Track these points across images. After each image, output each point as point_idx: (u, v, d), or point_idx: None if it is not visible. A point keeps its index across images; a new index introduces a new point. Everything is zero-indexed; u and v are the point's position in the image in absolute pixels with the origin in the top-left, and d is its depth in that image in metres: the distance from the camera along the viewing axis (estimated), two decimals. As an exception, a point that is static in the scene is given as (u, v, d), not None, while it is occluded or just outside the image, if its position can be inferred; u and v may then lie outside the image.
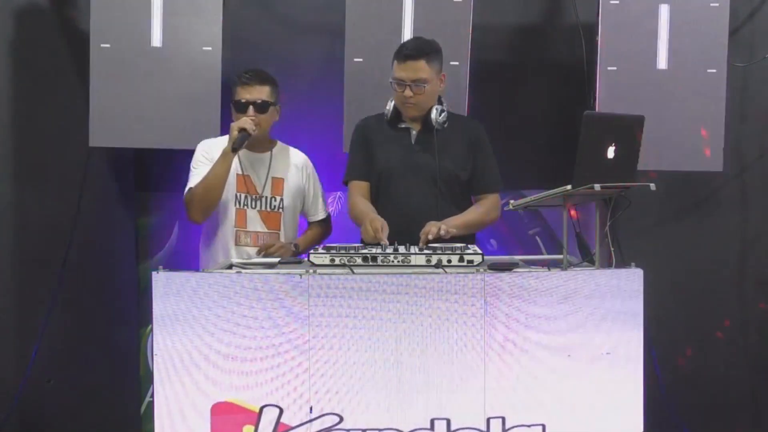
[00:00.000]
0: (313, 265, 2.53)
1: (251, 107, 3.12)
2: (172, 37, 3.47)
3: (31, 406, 3.69)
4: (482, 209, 3.11)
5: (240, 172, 3.18)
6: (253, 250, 3.17)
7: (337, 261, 2.53)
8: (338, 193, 3.91)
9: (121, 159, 3.78)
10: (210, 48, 3.48)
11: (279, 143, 3.32)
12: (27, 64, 3.69)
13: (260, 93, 3.14)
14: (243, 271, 2.57)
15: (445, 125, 3.10)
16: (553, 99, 3.91)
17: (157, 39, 3.47)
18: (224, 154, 3.06)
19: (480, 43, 3.60)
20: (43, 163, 3.71)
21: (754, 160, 3.91)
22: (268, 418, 2.44)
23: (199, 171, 3.13)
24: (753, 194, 3.92)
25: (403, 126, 3.14)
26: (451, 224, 2.87)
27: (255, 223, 3.20)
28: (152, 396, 2.86)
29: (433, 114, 3.07)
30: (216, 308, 2.43)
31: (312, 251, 2.57)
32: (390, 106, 3.12)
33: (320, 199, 3.36)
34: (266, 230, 3.21)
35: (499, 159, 3.20)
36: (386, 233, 2.78)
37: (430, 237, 2.77)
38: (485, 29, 3.70)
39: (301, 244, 3.26)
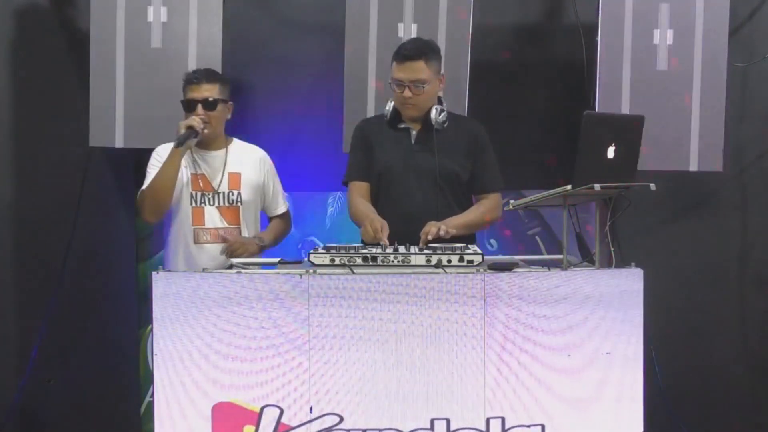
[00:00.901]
0: (313, 265, 2.53)
1: (199, 105, 3.12)
2: (172, 37, 3.47)
3: (31, 406, 3.69)
4: (483, 209, 3.11)
5: (194, 171, 3.18)
6: (213, 247, 3.15)
7: (337, 261, 2.53)
8: (338, 193, 3.91)
9: (121, 159, 3.78)
10: (210, 48, 3.48)
11: (236, 140, 3.30)
12: (27, 64, 3.69)
13: (209, 91, 3.14)
14: (243, 271, 2.57)
15: (445, 125, 3.09)
16: (553, 99, 3.91)
17: (157, 39, 3.47)
18: (172, 153, 3.07)
19: (480, 43, 3.60)
20: (43, 163, 3.71)
21: (754, 160, 3.91)
22: (269, 418, 2.44)
23: (152, 173, 3.13)
24: (753, 194, 3.91)
25: (402, 126, 3.14)
26: (452, 224, 2.87)
27: (214, 219, 3.18)
28: (152, 396, 2.86)
29: (433, 114, 3.06)
30: (216, 308, 2.43)
31: (312, 251, 2.57)
32: (389, 106, 3.12)
33: (280, 194, 3.36)
34: (226, 225, 3.19)
35: (500, 159, 3.19)
36: (386, 233, 2.78)
37: (430, 237, 2.77)
38: (485, 29, 3.69)
39: (266, 238, 3.24)
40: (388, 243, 2.73)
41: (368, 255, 2.55)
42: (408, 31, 3.49)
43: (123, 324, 3.86)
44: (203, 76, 3.16)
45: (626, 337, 2.53)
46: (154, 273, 2.46)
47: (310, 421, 2.44)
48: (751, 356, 3.92)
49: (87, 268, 3.75)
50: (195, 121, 3.07)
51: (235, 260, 2.94)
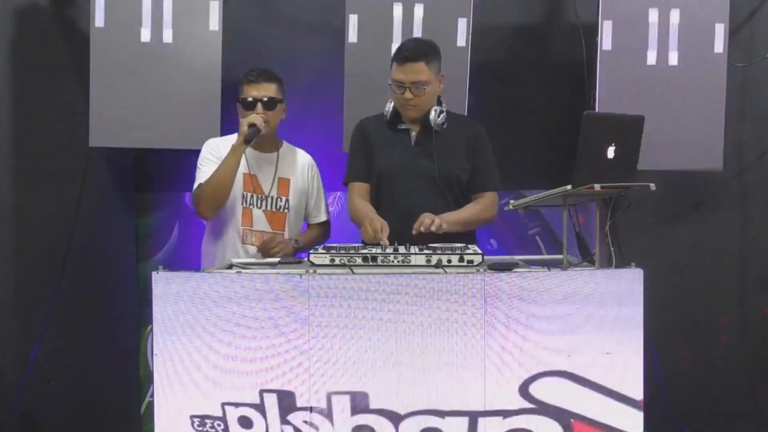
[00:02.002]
0: (313, 265, 2.53)
1: (259, 104, 3.13)
2: (172, 37, 3.47)
3: (31, 406, 3.69)
4: (479, 207, 3.10)
5: (247, 171, 3.18)
6: (256, 249, 3.17)
7: (337, 261, 2.53)
8: (338, 193, 3.91)
9: (121, 159, 3.78)
10: (210, 48, 3.48)
11: (285, 143, 3.32)
12: (27, 64, 3.69)
13: (267, 90, 3.15)
14: (243, 271, 2.57)
15: (444, 126, 3.09)
16: (553, 99, 3.91)
17: (157, 39, 3.47)
18: (234, 149, 3.07)
19: (480, 43, 3.60)
20: (43, 163, 3.71)
21: (754, 160, 3.91)
22: (269, 418, 2.44)
23: (206, 169, 3.13)
24: (753, 194, 3.92)
25: (402, 127, 3.13)
26: (446, 219, 2.87)
27: (260, 222, 3.20)
28: (152, 396, 2.86)
29: (432, 115, 3.06)
30: (216, 308, 2.43)
31: (312, 251, 2.57)
32: (389, 107, 3.11)
33: (323, 202, 3.37)
34: (271, 230, 3.21)
35: (500, 159, 3.19)
36: (386, 233, 2.78)
37: (423, 229, 2.77)
38: (485, 29, 3.69)
39: (303, 241, 3.26)
40: (387, 243, 2.74)
41: (368, 255, 2.55)
42: (408, 31, 3.49)
43: (123, 324, 3.87)
44: (263, 74, 3.16)
45: (626, 337, 2.53)
46: (154, 273, 2.46)
47: (310, 422, 2.44)
48: (751, 356, 3.92)
49: (87, 268, 3.75)
50: (257, 119, 3.08)
51: (235, 260, 2.94)
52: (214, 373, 2.44)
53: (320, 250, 2.58)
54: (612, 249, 2.64)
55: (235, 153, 3.07)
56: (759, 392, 3.91)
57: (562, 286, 2.48)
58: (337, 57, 3.56)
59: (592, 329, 2.50)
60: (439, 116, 3.07)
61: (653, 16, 3.54)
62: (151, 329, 2.69)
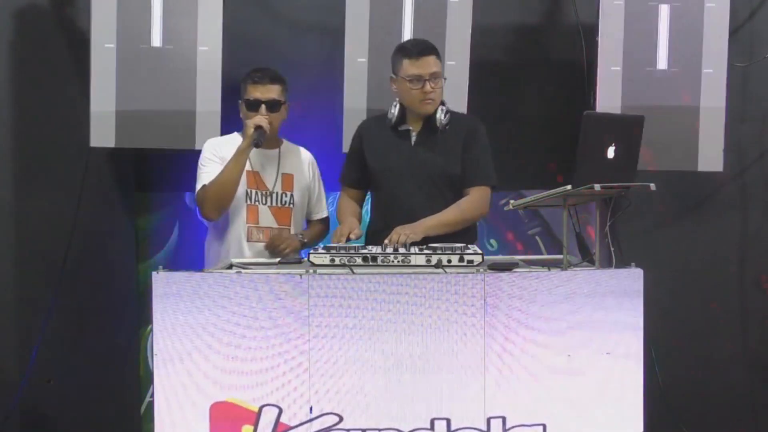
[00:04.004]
0: (313, 265, 2.53)
1: (263, 106, 3.13)
2: (172, 37, 3.47)
3: (31, 406, 3.69)
4: (463, 206, 3.04)
5: (250, 169, 3.19)
6: (263, 246, 3.17)
7: (337, 261, 2.54)
8: (338, 193, 3.90)
9: (121, 159, 3.78)
10: (210, 48, 3.47)
11: (286, 141, 3.33)
12: (27, 64, 3.69)
13: (271, 92, 3.16)
14: (243, 271, 2.57)
15: (448, 127, 3.09)
16: (553, 99, 3.91)
17: (157, 39, 3.46)
18: (240, 151, 3.07)
19: (480, 43, 3.60)
20: (43, 163, 3.71)
21: (754, 160, 3.91)
22: (268, 418, 2.44)
23: (209, 169, 3.13)
24: (753, 194, 3.91)
25: (403, 128, 3.13)
26: (426, 225, 2.87)
27: (267, 218, 3.20)
28: (152, 396, 2.86)
29: (438, 114, 3.07)
30: (216, 308, 2.43)
31: (312, 251, 2.57)
32: (395, 110, 3.11)
33: (324, 198, 3.39)
34: (277, 226, 3.22)
35: (500, 159, 3.19)
36: (356, 235, 2.88)
37: (396, 245, 2.74)
38: (485, 29, 3.69)
39: (308, 237, 3.27)
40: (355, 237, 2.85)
41: (368, 255, 2.55)
42: (408, 31, 3.49)
43: (123, 324, 3.86)
44: (267, 76, 3.16)
45: (626, 336, 2.53)
46: (154, 273, 2.46)
47: (309, 421, 2.44)
48: (751, 356, 3.92)
49: (87, 268, 3.75)
50: (263, 121, 3.08)
51: (235, 260, 2.94)
52: (214, 373, 2.44)
53: (320, 250, 2.58)
54: (612, 249, 2.64)
55: (241, 155, 3.07)
56: (759, 392, 3.91)
57: (562, 286, 2.48)
58: (337, 57, 3.56)
59: (592, 329, 2.50)
60: (444, 116, 3.07)
61: (653, 16, 3.54)
62: (151, 329, 2.68)
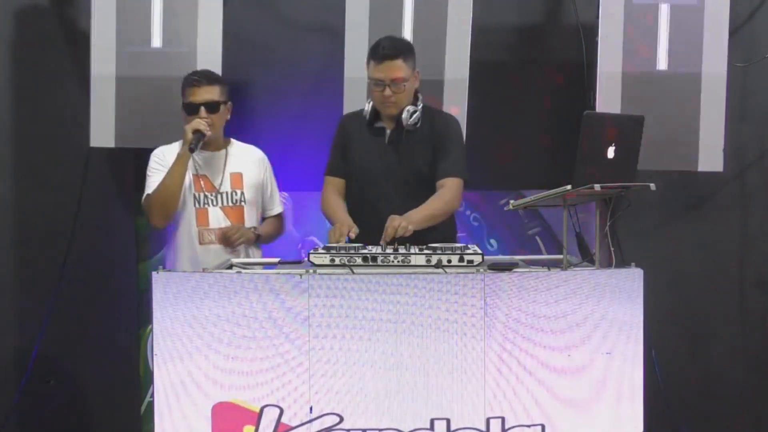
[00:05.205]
0: (313, 265, 2.53)
1: (202, 108, 3.11)
2: (172, 37, 3.47)
3: (31, 406, 3.69)
4: (440, 198, 3.00)
5: (195, 173, 3.17)
6: (218, 248, 3.15)
7: (337, 261, 2.53)
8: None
9: (121, 159, 3.78)
10: (210, 48, 3.47)
11: (235, 141, 3.30)
12: (27, 64, 3.69)
13: (210, 93, 3.13)
14: (243, 270, 2.57)
15: (418, 125, 3.07)
16: (553, 99, 3.91)
17: (157, 39, 3.47)
18: (180, 157, 3.07)
19: (480, 43, 3.59)
20: (43, 163, 3.72)
21: (754, 160, 3.91)
22: (269, 418, 2.44)
23: (155, 178, 3.12)
24: (753, 194, 3.91)
25: (378, 125, 3.14)
26: (412, 220, 2.83)
27: (219, 219, 3.17)
28: (152, 396, 2.86)
29: (404, 115, 3.04)
30: (216, 308, 2.43)
31: (312, 251, 2.57)
32: (368, 106, 3.12)
33: (276, 194, 3.37)
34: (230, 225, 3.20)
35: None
36: (354, 233, 2.83)
37: (389, 240, 2.73)
38: (485, 29, 3.69)
39: (262, 231, 3.26)
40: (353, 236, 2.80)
41: (368, 255, 2.55)
42: (408, 31, 3.49)
43: (123, 324, 3.86)
44: (204, 78, 3.15)
45: (626, 337, 2.53)
46: (154, 273, 2.46)
47: (310, 421, 2.44)
48: (751, 356, 3.92)
49: (87, 268, 3.75)
50: (201, 124, 3.07)
51: (235, 260, 2.94)
52: (215, 373, 2.44)
53: (320, 250, 2.58)
54: (612, 249, 2.64)
55: (180, 161, 3.07)
56: (759, 392, 3.90)
57: (562, 286, 2.48)
58: (337, 57, 3.56)
59: (591, 329, 2.50)
60: (411, 116, 3.05)
61: (653, 16, 3.54)
62: (151, 329, 2.68)
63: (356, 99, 3.49)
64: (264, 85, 3.82)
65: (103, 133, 3.47)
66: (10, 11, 3.67)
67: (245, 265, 2.81)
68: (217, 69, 3.45)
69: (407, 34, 3.47)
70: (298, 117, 3.77)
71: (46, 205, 3.71)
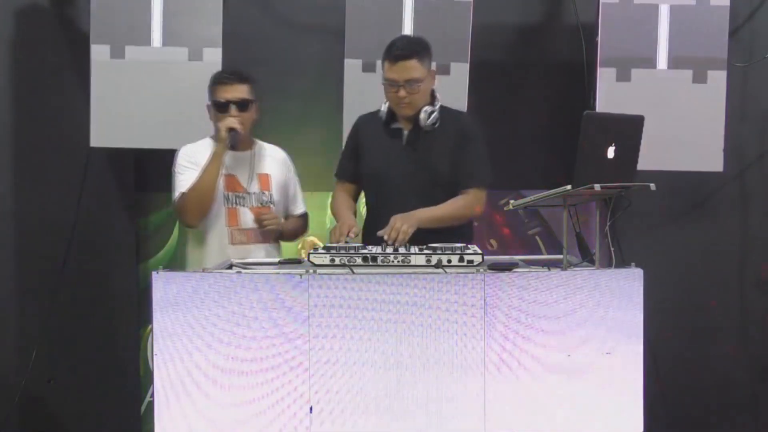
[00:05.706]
0: (313, 265, 2.53)
1: (233, 106, 3.10)
2: (172, 37, 3.47)
3: (31, 406, 3.70)
4: (458, 203, 3.00)
5: (225, 172, 3.16)
6: (249, 248, 3.14)
7: (337, 261, 2.53)
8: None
9: (121, 159, 3.78)
10: (210, 48, 3.48)
11: (259, 141, 3.29)
12: (27, 64, 3.70)
13: (240, 92, 3.11)
14: (243, 271, 2.57)
15: (436, 125, 3.05)
16: (553, 99, 3.91)
17: (157, 39, 3.47)
18: (216, 155, 3.05)
19: (480, 43, 3.60)
20: (43, 163, 3.72)
21: (754, 160, 3.91)
22: (269, 418, 2.44)
23: (185, 176, 3.10)
24: (753, 194, 3.92)
25: (395, 126, 3.11)
26: (418, 217, 2.84)
27: (248, 220, 3.17)
28: (152, 396, 2.86)
29: (422, 116, 3.01)
30: (216, 308, 2.43)
31: (312, 251, 2.57)
32: (384, 107, 3.09)
33: (300, 194, 3.36)
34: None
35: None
36: (354, 233, 2.84)
37: (390, 242, 2.74)
38: (485, 29, 3.69)
39: (287, 225, 3.26)
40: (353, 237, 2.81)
41: (368, 255, 2.55)
42: (408, 31, 3.49)
43: (123, 324, 3.87)
44: (235, 76, 3.12)
45: (626, 337, 2.53)
46: (154, 273, 2.46)
47: (309, 421, 2.44)
48: (751, 356, 3.92)
49: (87, 268, 3.75)
50: (235, 123, 3.06)
51: (235, 260, 2.94)
52: (215, 373, 2.44)
53: (320, 250, 2.58)
54: (612, 249, 2.64)
55: (217, 158, 3.05)
56: (759, 392, 3.91)
57: (562, 286, 2.48)
58: (337, 57, 3.56)
59: (591, 329, 2.50)
60: (429, 116, 3.02)
61: (653, 16, 3.54)
62: (151, 329, 2.68)
63: (356, 99, 3.50)
64: (264, 85, 3.82)
65: (103, 133, 3.48)
66: (10, 11, 3.67)
67: (245, 265, 2.80)
68: (217, 69, 3.45)
69: (407, 33, 3.47)
70: (298, 117, 3.78)
71: (46, 205, 3.71)
